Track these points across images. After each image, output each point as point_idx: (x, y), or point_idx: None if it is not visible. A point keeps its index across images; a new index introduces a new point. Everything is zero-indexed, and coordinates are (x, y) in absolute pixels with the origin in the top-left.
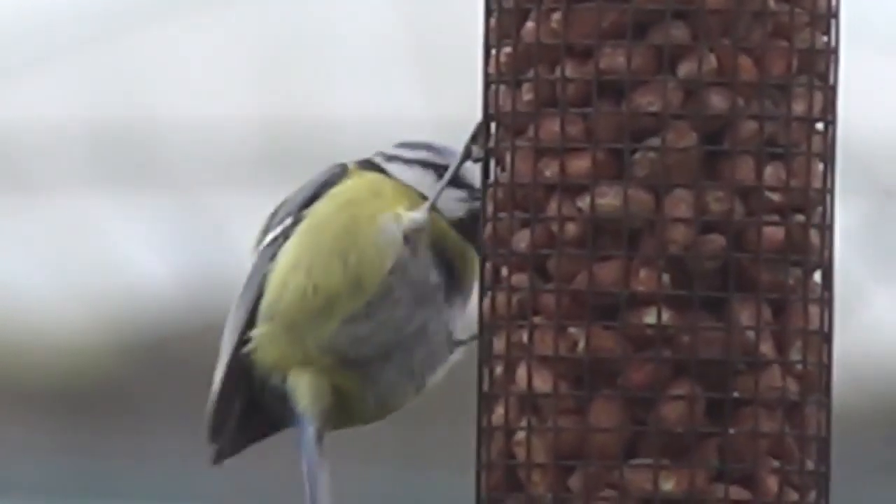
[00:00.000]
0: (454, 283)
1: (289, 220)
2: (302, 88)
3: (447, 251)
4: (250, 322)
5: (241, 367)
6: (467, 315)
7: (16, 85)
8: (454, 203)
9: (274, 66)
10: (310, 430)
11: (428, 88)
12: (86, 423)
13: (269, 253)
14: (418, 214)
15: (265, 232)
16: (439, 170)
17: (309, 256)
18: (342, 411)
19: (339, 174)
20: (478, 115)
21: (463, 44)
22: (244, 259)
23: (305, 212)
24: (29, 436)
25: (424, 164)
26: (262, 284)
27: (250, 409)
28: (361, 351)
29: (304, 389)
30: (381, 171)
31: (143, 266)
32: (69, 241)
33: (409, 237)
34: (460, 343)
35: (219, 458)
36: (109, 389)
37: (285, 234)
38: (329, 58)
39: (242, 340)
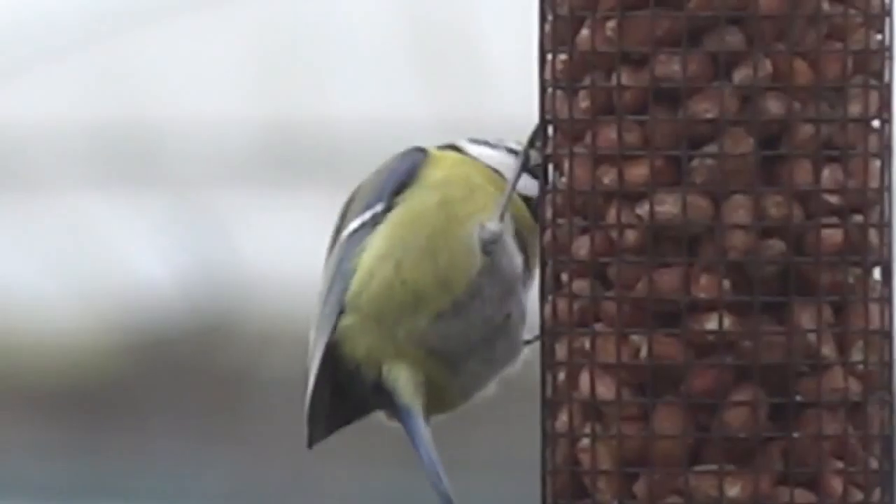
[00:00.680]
0: (526, 264)
1: (379, 207)
2: (302, 88)
3: (524, 235)
4: (341, 311)
5: (330, 356)
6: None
7: (16, 85)
8: (527, 182)
9: (274, 66)
10: (420, 423)
11: (428, 88)
12: (86, 423)
13: (357, 240)
14: (493, 224)
15: (343, 218)
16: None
17: (400, 250)
18: (433, 401)
19: (421, 159)
20: (478, 115)
21: (463, 44)
22: (245, 259)
23: (398, 199)
24: (29, 436)
25: (510, 150)
26: (351, 275)
27: (336, 396)
28: (451, 346)
29: (405, 383)
30: (459, 150)
31: (143, 266)
32: (69, 241)
33: (488, 247)
34: (526, 343)
35: (311, 441)
36: (110, 389)
37: (374, 221)
38: (329, 58)
39: (333, 329)
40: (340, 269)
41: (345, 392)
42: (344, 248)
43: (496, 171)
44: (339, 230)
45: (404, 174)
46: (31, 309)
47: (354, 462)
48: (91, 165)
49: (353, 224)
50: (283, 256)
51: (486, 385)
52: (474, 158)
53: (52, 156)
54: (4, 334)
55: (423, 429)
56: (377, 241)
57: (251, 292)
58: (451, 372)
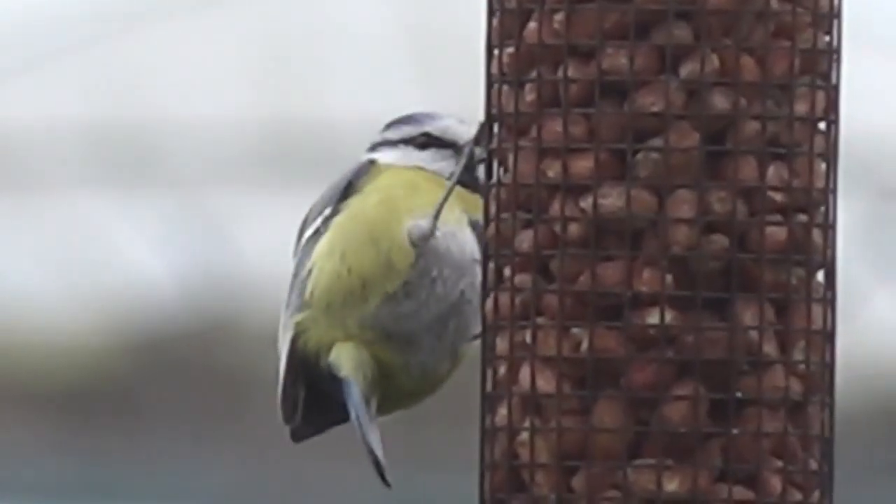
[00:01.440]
0: (480, 237)
1: (328, 211)
2: (301, 88)
3: (475, 215)
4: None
5: (296, 355)
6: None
7: (16, 85)
8: (447, 164)
9: (274, 66)
10: (355, 389)
11: (428, 88)
12: (86, 423)
13: (311, 244)
14: (424, 222)
15: (302, 229)
16: (420, 140)
17: (342, 243)
18: (388, 384)
19: (368, 167)
20: (478, 115)
21: (462, 44)
22: (244, 259)
23: (342, 204)
24: (29, 436)
25: (406, 141)
26: (305, 276)
27: (318, 393)
28: (405, 326)
29: (345, 359)
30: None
31: (143, 266)
32: (69, 241)
33: (417, 243)
34: (475, 337)
35: (297, 437)
36: (110, 389)
37: (325, 225)
38: (329, 58)
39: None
40: (297, 275)
41: (321, 391)
42: (300, 254)
43: (440, 174)
44: (297, 240)
45: (349, 179)
46: (31, 309)
47: (354, 462)
48: (91, 165)
49: (308, 231)
50: (283, 256)
51: (442, 365)
52: (417, 166)
53: (52, 156)
54: (4, 334)
55: (357, 395)
56: (323, 241)
57: (251, 292)
58: (407, 350)
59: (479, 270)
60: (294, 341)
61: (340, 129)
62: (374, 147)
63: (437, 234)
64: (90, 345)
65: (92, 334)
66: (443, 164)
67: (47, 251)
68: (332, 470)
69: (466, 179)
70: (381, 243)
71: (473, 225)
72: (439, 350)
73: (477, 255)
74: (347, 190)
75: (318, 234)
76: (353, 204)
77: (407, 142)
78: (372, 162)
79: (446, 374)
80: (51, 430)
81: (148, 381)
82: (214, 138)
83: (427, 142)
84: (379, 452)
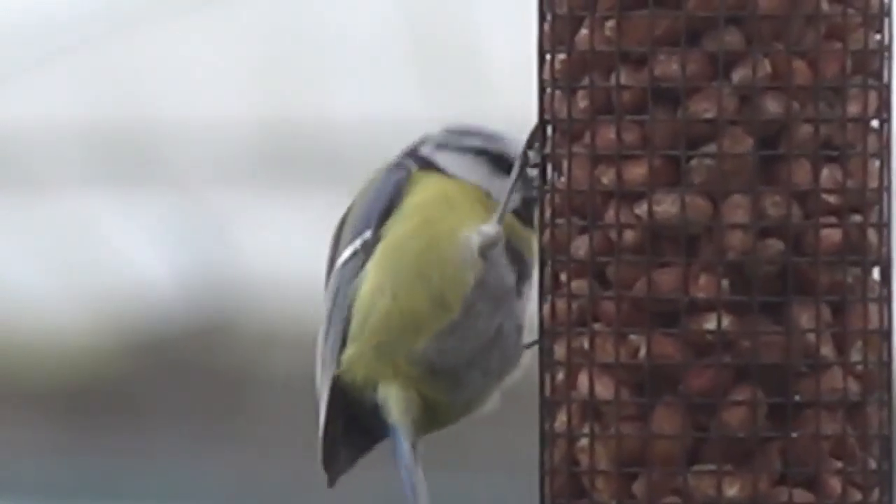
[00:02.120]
0: (524, 273)
1: (368, 234)
2: (302, 88)
3: (517, 245)
4: (343, 344)
5: (337, 388)
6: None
7: (16, 85)
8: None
9: (274, 66)
10: (404, 443)
11: (428, 88)
12: (86, 423)
13: (351, 271)
14: (490, 228)
15: (336, 242)
16: (491, 157)
17: (392, 279)
18: (429, 417)
19: (404, 180)
20: (478, 115)
21: (463, 44)
22: (245, 259)
23: (383, 230)
24: (29, 436)
25: (477, 152)
26: (349, 307)
27: (351, 426)
28: (449, 361)
29: (394, 401)
30: (429, 163)
31: (143, 266)
32: (69, 241)
33: (486, 253)
34: (527, 346)
35: (332, 480)
36: (109, 390)
37: (365, 249)
38: (329, 58)
39: (337, 363)
40: (337, 303)
41: (357, 422)
42: (338, 279)
43: (479, 187)
44: (332, 258)
45: (388, 198)
46: (31, 309)
47: (357, 466)
48: (91, 165)
49: (346, 253)
50: (283, 256)
51: (486, 396)
52: (453, 176)
53: (52, 156)
54: (4, 334)
55: (407, 451)
56: (371, 275)
57: (251, 292)
58: (451, 387)
59: (515, 296)
60: (338, 377)
61: (341, 130)
62: (437, 146)
63: (485, 269)
64: (90, 345)
65: (92, 334)
66: (499, 184)
67: (47, 251)
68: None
69: (520, 210)
70: (433, 279)
71: (514, 254)
72: (482, 386)
73: (514, 281)
74: (387, 208)
75: (356, 257)
76: (394, 228)
77: (479, 153)
78: (406, 170)
79: (487, 401)
80: (51, 430)
81: (148, 381)
82: (214, 138)
83: (497, 163)
84: None
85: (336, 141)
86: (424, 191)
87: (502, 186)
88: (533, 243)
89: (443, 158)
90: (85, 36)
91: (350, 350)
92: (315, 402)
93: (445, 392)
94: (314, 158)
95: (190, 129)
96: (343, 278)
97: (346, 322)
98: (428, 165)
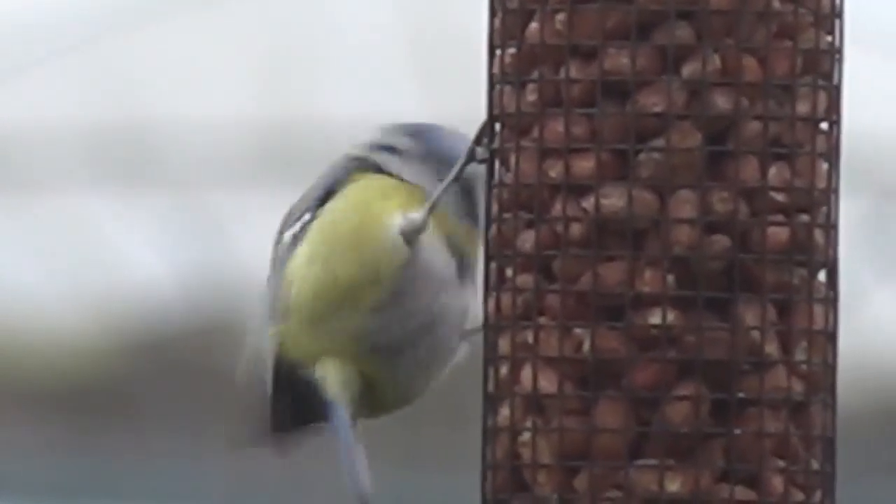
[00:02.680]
0: (464, 269)
1: (307, 216)
2: (302, 88)
3: (457, 243)
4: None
5: (278, 366)
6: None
7: (16, 85)
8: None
9: (274, 66)
10: (342, 414)
11: (427, 88)
12: (86, 423)
13: (287, 250)
14: (417, 215)
15: (282, 230)
16: (440, 161)
17: (325, 250)
18: (367, 399)
19: (344, 173)
20: (478, 115)
21: (462, 44)
22: (244, 259)
23: (320, 209)
24: (29, 436)
25: (423, 157)
26: (282, 280)
27: (296, 402)
28: (388, 338)
29: (332, 377)
30: (379, 168)
31: (142, 266)
32: (69, 241)
33: (410, 237)
34: (465, 334)
35: (281, 451)
36: (110, 390)
37: (304, 229)
38: (328, 58)
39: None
40: (273, 279)
41: (298, 397)
42: (276, 259)
43: (420, 187)
44: (276, 242)
45: (330, 183)
46: (31, 309)
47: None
48: (91, 165)
49: (286, 235)
50: None
51: (420, 384)
52: (396, 175)
53: (52, 156)
54: (4, 334)
55: (345, 422)
56: (303, 248)
57: (251, 292)
58: (387, 366)
59: (453, 291)
60: (276, 352)
61: (340, 130)
62: (375, 147)
63: (423, 240)
64: (90, 344)
65: (91, 334)
66: (424, 176)
67: (47, 251)
68: (332, 470)
69: (466, 209)
70: (365, 248)
71: (453, 249)
72: (421, 363)
73: (452, 276)
74: (327, 194)
75: (295, 240)
76: (330, 208)
77: (425, 158)
78: (356, 161)
79: (425, 389)
80: (51, 430)
81: (148, 381)
82: (214, 138)
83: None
84: (365, 482)
85: (335, 141)
86: (363, 181)
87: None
88: (475, 242)
89: (385, 160)
90: (85, 36)
91: (286, 323)
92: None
93: (381, 371)
94: (314, 158)
95: (190, 129)
96: (282, 259)
97: (277, 297)
98: (371, 167)
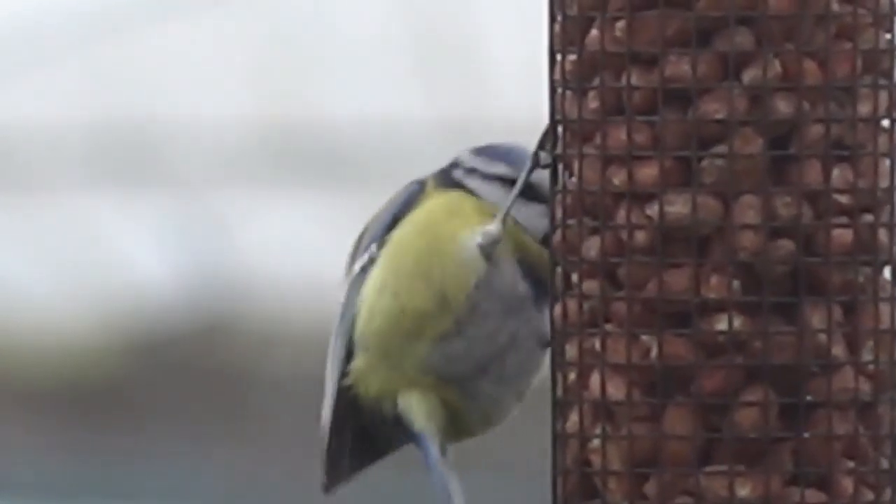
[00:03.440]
0: (542, 290)
1: (374, 247)
2: (301, 88)
3: (530, 259)
4: (349, 353)
5: (346, 398)
6: None
7: (16, 85)
8: (537, 219)
9: (274, 66)
10: (432, 448)
11: (428, 89)
12: (86, 423)
13: (358, 282)
14: (492, 227)
15: (353, 259)
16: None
17: (393, 279)
18: (453, 425)
19: (417, 192)
20: (481, 114)
21: (463, 44)
22: (245, 259)
23: (388, 236)
24: (29, 436)
25: (503, 180)
26: (354, 313)
27: (358, 437)
28: (457, 368)
29: (416, 409)
30: (460, 185)
31: (143, 266)
32: (69, 241)
33: (487, 250)
34: (548, 344)
35: (328, 486)
36: (110, 390)
37: (372, 260)
38: (328, 57)
39: (344, 373)
40: (346, 312)
41: (367, 432)
42: (347, 290)
43: (492, 204)
44: (347, 272)
45: (398, 209)
46: (31, 309)
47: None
48: (91, 165)
49: (355, 267)
50: (284, 256)
51: (505, 407)
52: (469, 191)
53: (52, 156)
54: (4, 334)
55: (436, 455)
56: (372, 278)
57: (251, 292)
58: (464, 395)
59: (531, 307)
60: (348, 388)
61: (341, 129)
62: (463, 170)
63: (495, 258)
64: (90, 344)
65: (92, 334)
66: (536, 220)
67: (47, 251)
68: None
69: (529, 217)
70: (434, 276)
71: (526, 267)
72: (498, 394)
73: (527, 291)
74: (394, 221)
75: (364, 272)
76: (397, 235)
77: (504, 181)
78: (421, 184)
79: (511, 409)
80: (51, 430)
81: (148, 381)
82: (215, 138)
83: (526, 191)
84: None
85: (336, 140)
86: (433, 201)
87: (528, 214)
88: (545, 260)
89: (470, 182)
90: (84, 36)
91: (359, 361)
92: (317, 406)
93: (460, 399)
94: (314, 158)
95: (190, 129)
96: (352, 288)
97: (351, 327)
98: (452, 185)
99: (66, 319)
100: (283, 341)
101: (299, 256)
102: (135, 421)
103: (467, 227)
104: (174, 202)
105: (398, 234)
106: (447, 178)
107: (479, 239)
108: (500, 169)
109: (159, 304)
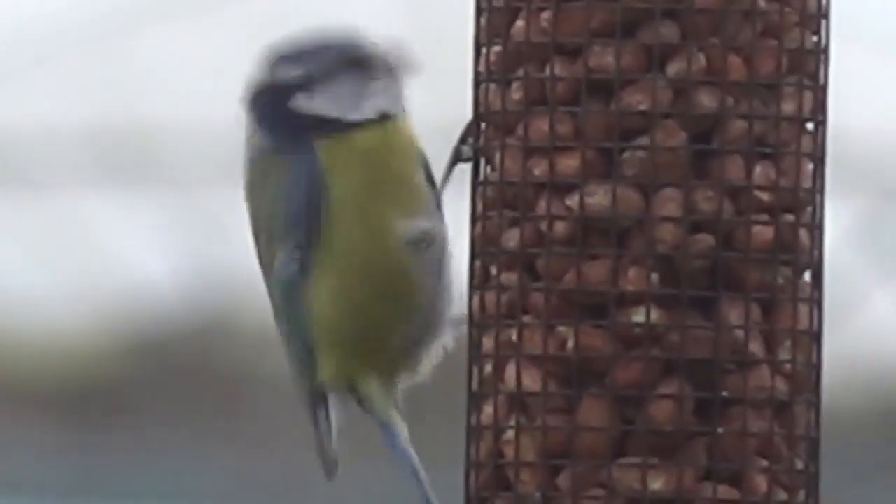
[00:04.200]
0: (431, 179)
1: (303, 240)
2: None
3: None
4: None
5: (314, 392)
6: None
7: (16, 85)
8: (393, 100)
9: None
10: (397, 434)
11: (428, 88)
12: (86, 422)
13: (294, 283)
14: (426, 224)
15: (264, 260)
16: (352, 65)
17: (349, 302)
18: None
19: (315, 167)
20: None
21: (461, 44)
22: (244, 259)
23: (320, 232)
24: (29, 436)
25: (337, 69)
26: (307, 326)
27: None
28: (422, 336)
29: (376, 397)
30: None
31: (143, 266)
32: (69, 241)
33: (420, 248)
34: (454, 322)
35: (331, 472)
36: (109, 389)
37: (303, 259)
38: None
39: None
40: (290, 319)
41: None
42: (284, 290)
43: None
44: (262, 260)
45: (308, 192)
46: (31, 309)
47: (354, 462)
48: (91, 165)
49: (281, 258)
50: None
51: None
52: (348, 125)
53: (52, 156)
54: (4, 334)
55: (403, 443)
56: (324, 299)
57: (251, 292)
58: (420, 350)
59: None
60: (315, 390)
61: None
62: (298, 85)
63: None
64: (90, 345)
65: (91, 334)
66: (395, 92)
67: (47, 251)
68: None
69: (389, 103)
70: (377, 274)
71: (425, 167)
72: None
73: (437, 201)
74: (313, 206)
75: (293, 264)
76: (331, 236)
77: (344, 69)
78: (312, 153)
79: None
80: (51, 430)
81: (147, 381)
82: (214, 138)
83: (365, 67)
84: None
85: None
86: (343, 174)
87: (385, 101)
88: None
89: (320, 104)
90: (85, 36)
91: (320, 355)
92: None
93: (413, 357)
94: None
95: (190, 129)
96: (289, 290)
97: (307, 341)
98: (314, 126)
99: (66, 319)
100: None
101: None
102: (134, 421)
103: (402, 204)
104: (174, 202)
105: (333, 232)
106: (285, 118)
107: (410, 238)
108: (301, 70)
109: (159, 304)
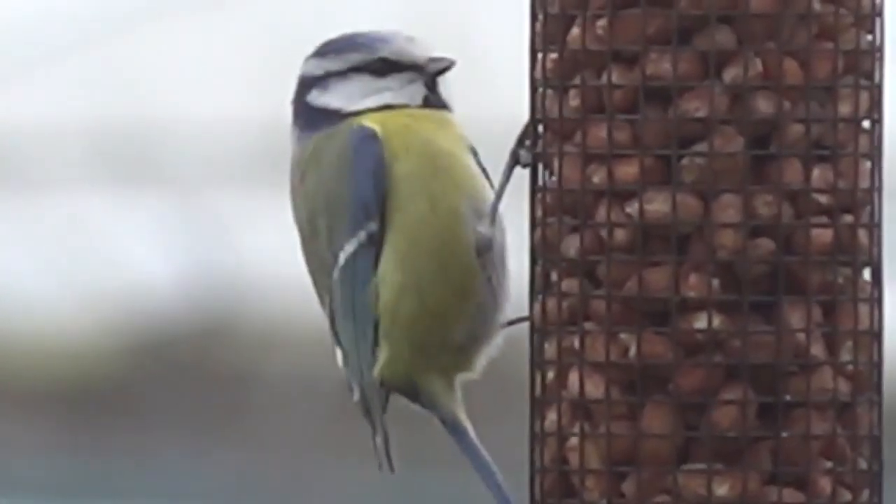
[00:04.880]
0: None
1: (373, 226)
2: None
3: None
4: (375, 344)
5: (375, 385)
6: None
7: (16, 85)
8: (415, 90)
9: (274, 66)
10: (468, 434)
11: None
12: (86, 423)
13: (362, 269)
14: (485, 231)
15: (330, 238)
16: (376, 66)
17: (414, 280)
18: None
19: (379, 150)
20: (475, 115)
21: (462, 43)
22: (245, 259)
23: (386, 216)
24: (29, 436)
25: (358, 69)
26: (373, 310)
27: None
28: (483, 333)
29: (439, 393)
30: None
31: (143, 266)
32: (69, 241)
33: (482, 253)
34: (510, 323)
35: (391, 468)
36: (110, 390)
37: (371, 241)
38: None
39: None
40: (357, 307)
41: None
42: (350, 276)
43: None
44: (331, 248)
45: (374, 176)
46: (31, 309)
47: (355, 461)
48: (91, 165)
49: (349, 246)
50: (283, 256)
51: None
52: (387, 105)
53: (52, 156)
54: (4, 334)
55: (472, 440)
56: (390, 276)
57: (251, 292)
58: (479, 347)
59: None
60: (377, 389)
61: None
62: (317, 80)
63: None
64: (90, 345)
65: (92, 334)
66: (411, 89)
67: (47, 251)
68: (333, 469)
69: (433, 100)
70: (452, 272)
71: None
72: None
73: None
74: (378, 187)
75: (361, 249)
76: (402, 218)
77: (359, 69)
78: (373, 136)
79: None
80: (51, 430)
81: (148, 381)
82: (214, 138)
83: (383, 68)
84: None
85: None
86: (412, 153)
87: (415, 90)
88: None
89: (334, 94)
90: (85, 36)
91: (384, 351)
92: (317, 406)
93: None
94: None
95: (190, 129)
96: (356, 277)
97: (374, 325)
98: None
99: (67, 320)
100: (283, 342)
101: (299, 257)
102: (135, 421)
103: (466, 192)
104: (174, 203)
105: (402, 214)
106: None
107: (476, 241)
108: (355, 59)
109: (159, 305)
